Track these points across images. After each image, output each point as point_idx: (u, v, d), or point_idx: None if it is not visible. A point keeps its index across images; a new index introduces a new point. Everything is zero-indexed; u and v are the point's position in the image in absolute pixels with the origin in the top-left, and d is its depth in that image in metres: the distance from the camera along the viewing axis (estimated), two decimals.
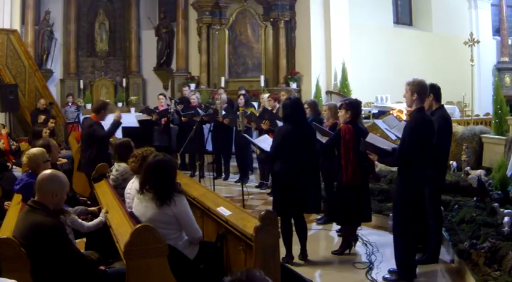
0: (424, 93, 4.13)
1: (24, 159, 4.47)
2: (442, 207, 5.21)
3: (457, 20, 14.55)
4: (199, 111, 8.64)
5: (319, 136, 5.24)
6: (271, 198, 6.21)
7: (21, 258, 2.94)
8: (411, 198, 4.09)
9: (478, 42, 11.83)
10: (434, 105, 4.58)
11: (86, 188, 6.42)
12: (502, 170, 5.50)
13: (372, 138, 4.35)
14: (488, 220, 4.77)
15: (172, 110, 9.08)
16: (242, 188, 6.75)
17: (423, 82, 4.14)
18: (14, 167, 6.94)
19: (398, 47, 13.40)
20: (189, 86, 11.23)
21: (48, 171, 3.33)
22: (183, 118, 8.95)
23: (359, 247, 5.13)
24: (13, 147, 7.98)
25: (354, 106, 4.96)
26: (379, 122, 6.52)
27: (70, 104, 11.33)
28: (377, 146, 4.22)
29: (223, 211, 3.72)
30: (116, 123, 6.60)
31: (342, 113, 4.98)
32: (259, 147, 5.43)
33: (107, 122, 6.68)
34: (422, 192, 4.19)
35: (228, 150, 8.85)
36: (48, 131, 7.85)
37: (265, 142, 5.33)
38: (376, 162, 5.00)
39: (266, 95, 8.39)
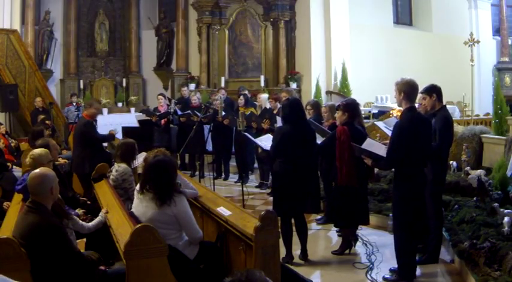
0: (412, 92, 4.08)
1: (28, 159, 4.46)
2: (442, 207, 5.22)
3: (457, 20, 14.55)
4: (197, 112, 8.63)
5: (318, 136, 5.22)
6: (271, 198, 6.21)
7: (21, 258, 2.94)
8: (409, 199, 4.06)
9: (478, 42, 11.83)
10: (437, 105, 4.58)
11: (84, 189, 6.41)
12: (502, 170, 5.49)
13: (368, 143, 4.33)
14: (488, 220, 4.76)
15: (172, 110, 9.10)
16: (242, 188, 6.75)
17: (411, 81, 4.10)
18: (14, 167, 6.94)
19: (398, 47, 13.40)
20: (188, 86, 11.22)
21: (36, 171, 3.29)
22: (181, 118, 8.95)
23: (359, 247, 5.13)
24: (12, 144, 7.97)
25: (351, 108, 4.95)
26: (379, 123, 6.54)
27: (74, 103, 11.22)
28: (370, 151, 4.19)
29: (223, 211, 3.72)
30: (109, 137, 7.11)
31: (339, 115, 4.97)
32: (259, 146, 5.42)
33: (101, 122, 6.74)
34: (421, 191, 4.16)
35: (228, 151, 8.85)
36: (49, 132, 7.85)
37: (267, 141, 5.32)
38: None
39: (263, 95, 8.36)
